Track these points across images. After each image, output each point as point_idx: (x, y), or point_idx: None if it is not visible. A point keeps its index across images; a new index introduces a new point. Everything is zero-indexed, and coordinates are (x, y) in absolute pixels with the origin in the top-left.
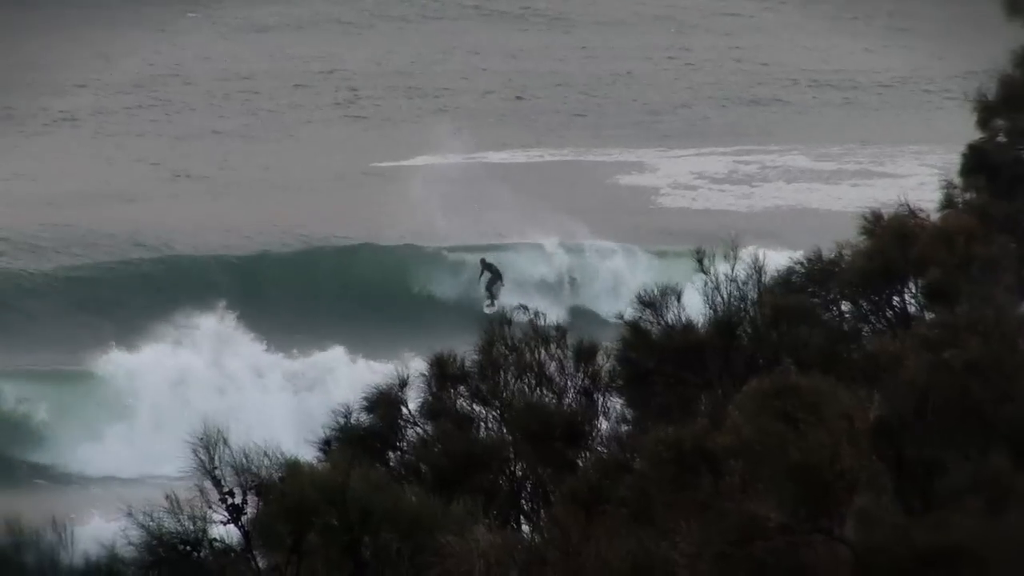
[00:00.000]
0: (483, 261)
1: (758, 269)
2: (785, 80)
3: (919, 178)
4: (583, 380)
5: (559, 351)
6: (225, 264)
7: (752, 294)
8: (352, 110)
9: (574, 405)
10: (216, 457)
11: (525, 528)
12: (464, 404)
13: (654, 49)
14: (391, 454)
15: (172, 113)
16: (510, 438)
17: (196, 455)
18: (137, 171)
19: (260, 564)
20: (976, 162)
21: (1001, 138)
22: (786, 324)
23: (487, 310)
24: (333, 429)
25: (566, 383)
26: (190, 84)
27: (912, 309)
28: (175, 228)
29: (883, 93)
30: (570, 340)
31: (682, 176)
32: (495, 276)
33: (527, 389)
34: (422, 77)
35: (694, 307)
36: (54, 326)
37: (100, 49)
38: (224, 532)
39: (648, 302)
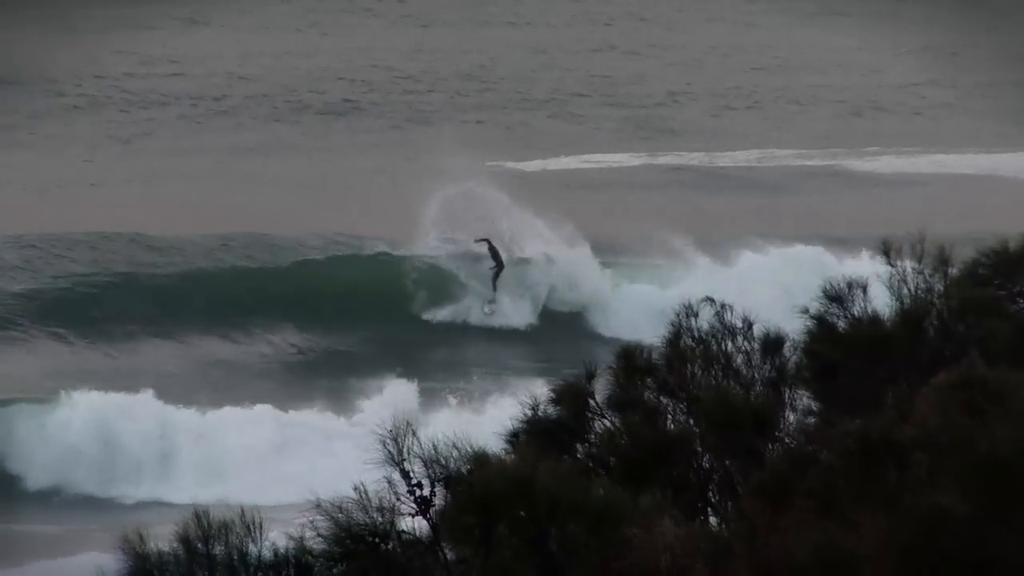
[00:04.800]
0: (489, 242)
1: (944, 261)
2: None
3: None
4: (770, 373)
5: (746, 343)
6: None
7: (938, 286)
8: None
9: (761, 397)
10: (404, 449)
11: (712, 520)
12: (651, 396)
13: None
14: (578, 446)
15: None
16: (697, 430)
17: (385, 447)
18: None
19: (448, 556)
20: None
21: None
22: (973, 317)
23: (486, 310)
24: (521, 421)
25: (753, 376)
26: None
27: None
28: None
29: None
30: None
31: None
32: (499, 264)
33: (714, 381)
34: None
35: (880, 300)
36: None
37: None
38: (412, 524)
39: (834, 296)
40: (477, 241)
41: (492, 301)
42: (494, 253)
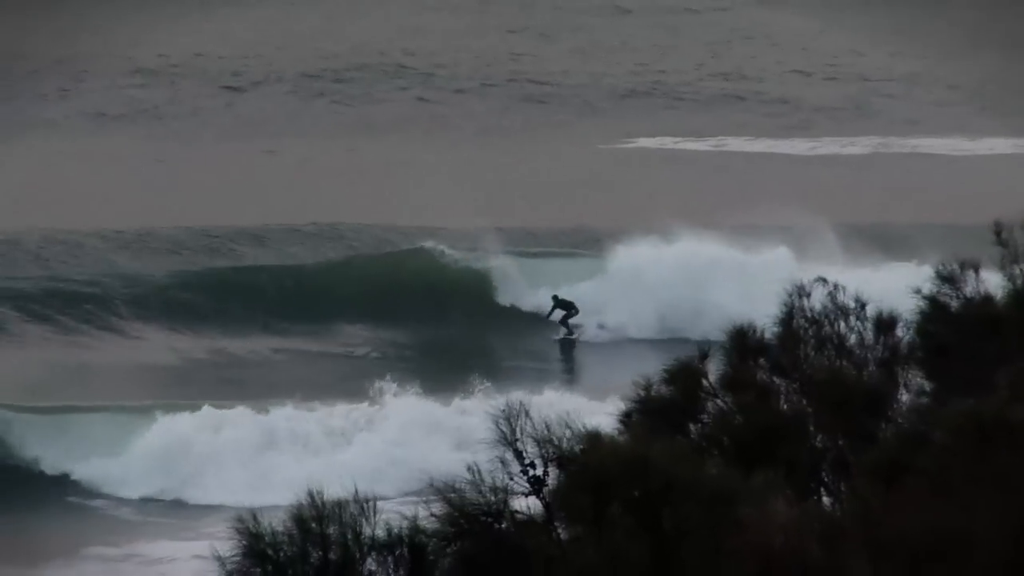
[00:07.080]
0: (555, 298)
1: None
2: None
3: None
4: (883, 353)
5: (859, 323)
6: None
7: None
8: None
9: (874, 377)
10: (518, 429)
11: (825, 500)
12: (764, 376)
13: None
14: (691, 426)
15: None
16: (810, 410)
17: (498, 427)
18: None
19: (561, 535)
20: None
21: None
22: None
23: (574, 335)
24: (633, 401)
25: (866, 356)
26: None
27: None
28: None
29: None
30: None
31: None
32: (569, 311)
33: (827, 361)
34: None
35: (992, 280)
36: None
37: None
38: (526, 504)
39: (947, 276)
40: (550, 316)
41: (572, 334)
42: (563, 304)
